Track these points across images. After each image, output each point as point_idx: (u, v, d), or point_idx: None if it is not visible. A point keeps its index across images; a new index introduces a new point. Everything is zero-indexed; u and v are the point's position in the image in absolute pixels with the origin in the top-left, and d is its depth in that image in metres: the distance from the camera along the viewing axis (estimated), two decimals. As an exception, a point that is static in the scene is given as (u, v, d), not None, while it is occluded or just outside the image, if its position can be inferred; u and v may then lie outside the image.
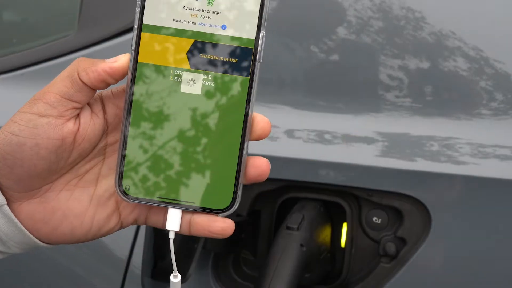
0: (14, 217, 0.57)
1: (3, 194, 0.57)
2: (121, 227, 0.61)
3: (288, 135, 0.96)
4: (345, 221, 1.00)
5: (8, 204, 0.58)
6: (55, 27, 1.18)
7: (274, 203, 1.03)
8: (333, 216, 1.03)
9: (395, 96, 0.95)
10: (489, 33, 0.95)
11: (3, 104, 1.10)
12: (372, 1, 0.95)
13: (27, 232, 0.58)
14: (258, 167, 0.57)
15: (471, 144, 0.92)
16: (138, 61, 0.56)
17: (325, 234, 1.01)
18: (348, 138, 0.95)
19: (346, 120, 0.96)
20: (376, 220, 0.98)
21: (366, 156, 0.94)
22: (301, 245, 0.91)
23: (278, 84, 0.99)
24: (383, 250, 0.97)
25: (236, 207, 0.57)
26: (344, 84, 0.98)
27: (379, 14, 0.95)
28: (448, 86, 0.94)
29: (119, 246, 1.01)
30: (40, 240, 0.59)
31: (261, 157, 0.58)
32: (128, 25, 1.03)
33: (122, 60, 0.56)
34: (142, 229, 1.00)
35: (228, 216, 0.57)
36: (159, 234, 1.02)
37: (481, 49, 0.93)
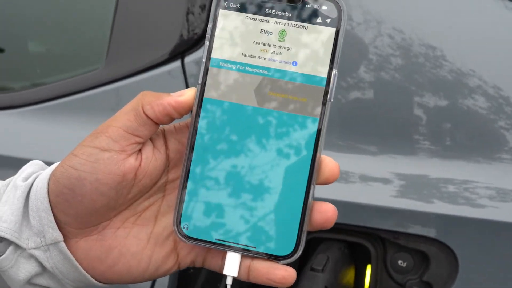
0: (70, 255, 0.56)
1: (60, 230, 0.56)
2: (179, 268, 0.58)
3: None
4: (369, 263, 0.98)
5: (65, 241, 0.56)
6: (83, 60, 1.19)
7: (297, 243, 1.01)
8: (356, 257, 1.01)
9: (415, 139, 0.94)
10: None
11: (31, 136, 1.10)
12: (393, 38, 0.95)
13: (83, 270, 0.56)
14: (324, 212, 0.54)
15: (491, 189, 0.91)
16: (204, 96, 0.54)
17: (349, 276, 0.99)
18: (367, 179, 0.94)
19: (365, 160, 0.95)
20: (401, 263, 0.96)
21: (391, 198, 0.92)
22: (326, 287, 0.89)
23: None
24: (408, 294, 0.95)
25: (299, 254, 0.54)
26: (362, 124, 0.97)
27: (399, 51, 0.94)
28: (467, 128, 0.93)
29: (139, 285, 1.00)
30: (95, 279, 0.57)
31: (327, 202, 0.54)
32: (156, 60, 1.03)
33: (188, 94, 0.54)
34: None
35: (289, 264, 0.54)
36: (183, 275, 1.00)
37: (501, 88, 0.92)
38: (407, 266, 0.96)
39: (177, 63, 1.02)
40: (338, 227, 0.97)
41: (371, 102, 0.96)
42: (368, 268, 0.99)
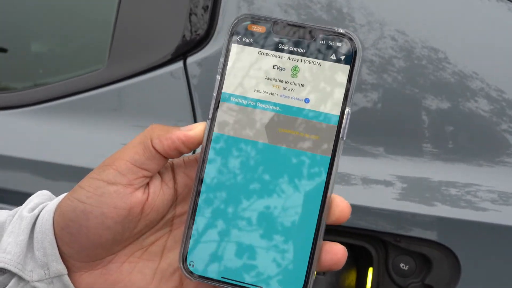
0: None
1: (64, 263, 0.55)
2: None
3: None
4: (370, 265, 0.98)
5: (69, 274, 0.55)
6: (85, 60, 1.19)
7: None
8: (358, 260, 1.01)
9: (417, 141, 0.93)
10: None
11: (33, 136, 1.10)
12: (395, 40, 0.94)
13: None
14: (334, 254, 0.52)
15: (493, 192, 0.90)
16: (214, 131, 0.53)
17: (351, 279, 0.99)
18: (369, 181, 0.94)
19: (367, 162, 0.95)
20: (403, 266, 0.96)
21: (393, 200, 0.92)
22: (327, 290, 0.89)
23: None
24: (409, 298, 0.95)
25: None
26: (364, 127, 0.97)
27: (402, 53, 0.94)
28: (470, 131, 0.93)
29: None
30: None
31: (337, 243, 0.53)
32: (158, 60, 1.03)
33: (198, 129, 0.54)
34: None
35: None
36: None
37: (504, 91, 0.92)
38: (409, 269, 0.96)
39: (180, 64, 1.02)
40: (339, 230, 0.97)
41: (373, 104, 0.96)
42: (370, 271, 0.99)
